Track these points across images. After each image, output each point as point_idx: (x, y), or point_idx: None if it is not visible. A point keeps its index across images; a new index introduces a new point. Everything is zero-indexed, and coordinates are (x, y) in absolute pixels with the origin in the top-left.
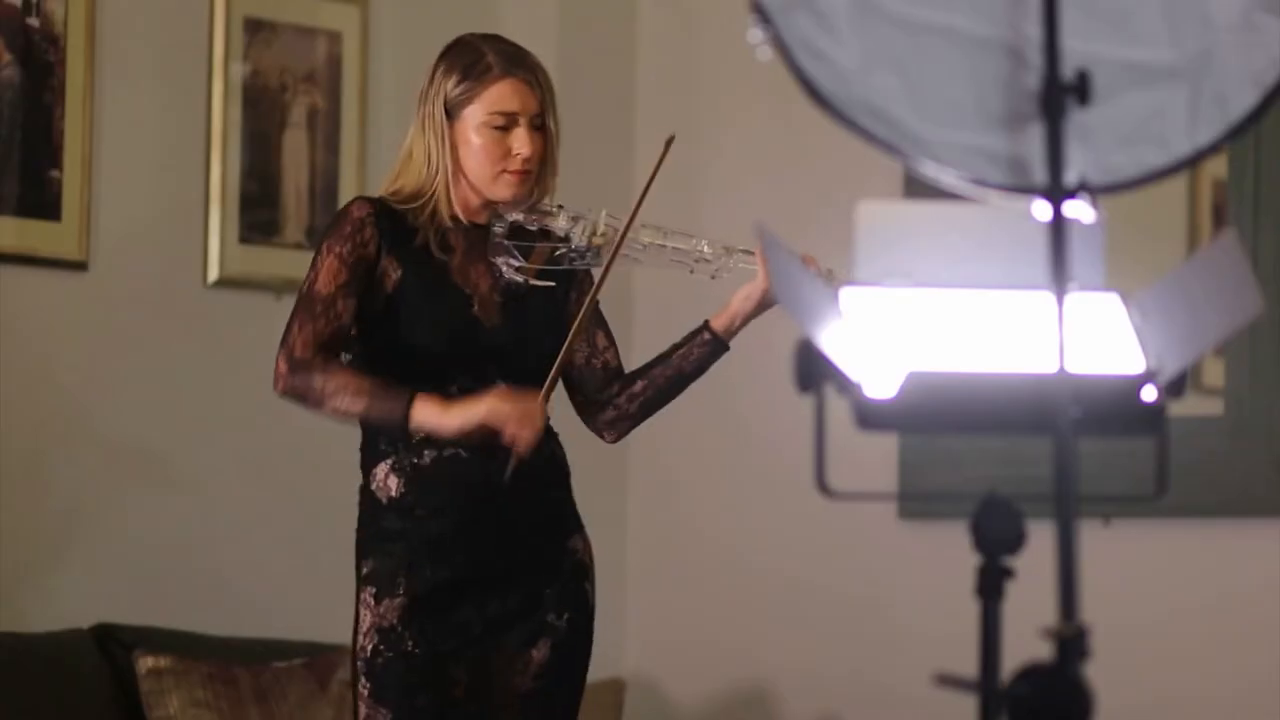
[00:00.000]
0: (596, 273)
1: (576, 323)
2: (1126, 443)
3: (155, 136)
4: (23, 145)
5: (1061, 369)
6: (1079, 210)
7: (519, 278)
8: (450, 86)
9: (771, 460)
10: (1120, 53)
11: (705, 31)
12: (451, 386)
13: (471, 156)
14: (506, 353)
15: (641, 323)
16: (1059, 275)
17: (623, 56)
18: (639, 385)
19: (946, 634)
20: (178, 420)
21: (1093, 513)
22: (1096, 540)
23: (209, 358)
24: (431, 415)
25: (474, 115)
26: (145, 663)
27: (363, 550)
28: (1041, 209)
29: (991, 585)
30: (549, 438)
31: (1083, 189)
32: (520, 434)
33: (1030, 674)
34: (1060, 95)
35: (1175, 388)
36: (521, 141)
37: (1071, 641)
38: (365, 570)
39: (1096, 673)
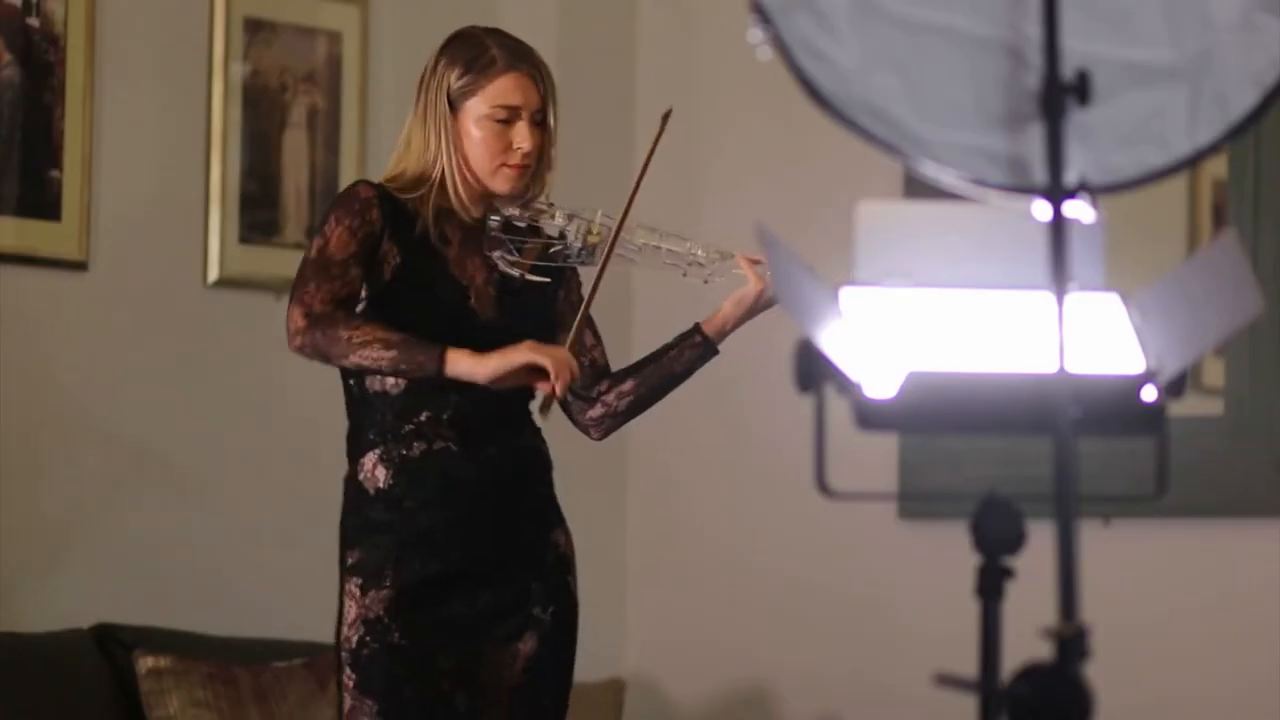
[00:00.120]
0: (585, 271)
1: (584, 306)
2: (1126, 443)
3: (155, 136)
4: (23, 145)
5: (1061, 369)
6: (1079, 210)
7: (514, 272)
8: (454, 78)
9: (771, 460)
10: (1120, 53)
11: (705, 31)
12: (445, 380)
13: (472, 149)
14: (498, 345)
15: (641, 324)
16: (1059, 275)
17: (623, 56)
18: (629, 384)
19: (946, 634)
20: (178, 420)
21: (1093, 513)
22: (1096, 540)
23: (209, 358)
24: (466, 362)
25: (476, 108)
26: (145, 663)
27: (348, 540)
28: (1041, 209)
29: (991, 585)
30: (534, 434)
31: (1083, 189)
32: (560, 372)
33: (1030, 674)
34: (1060, 95)
35: (1175, 388)
36: (522, 136)
37: (1071, 641)
38: (351, 561)
39: (1096, 673)
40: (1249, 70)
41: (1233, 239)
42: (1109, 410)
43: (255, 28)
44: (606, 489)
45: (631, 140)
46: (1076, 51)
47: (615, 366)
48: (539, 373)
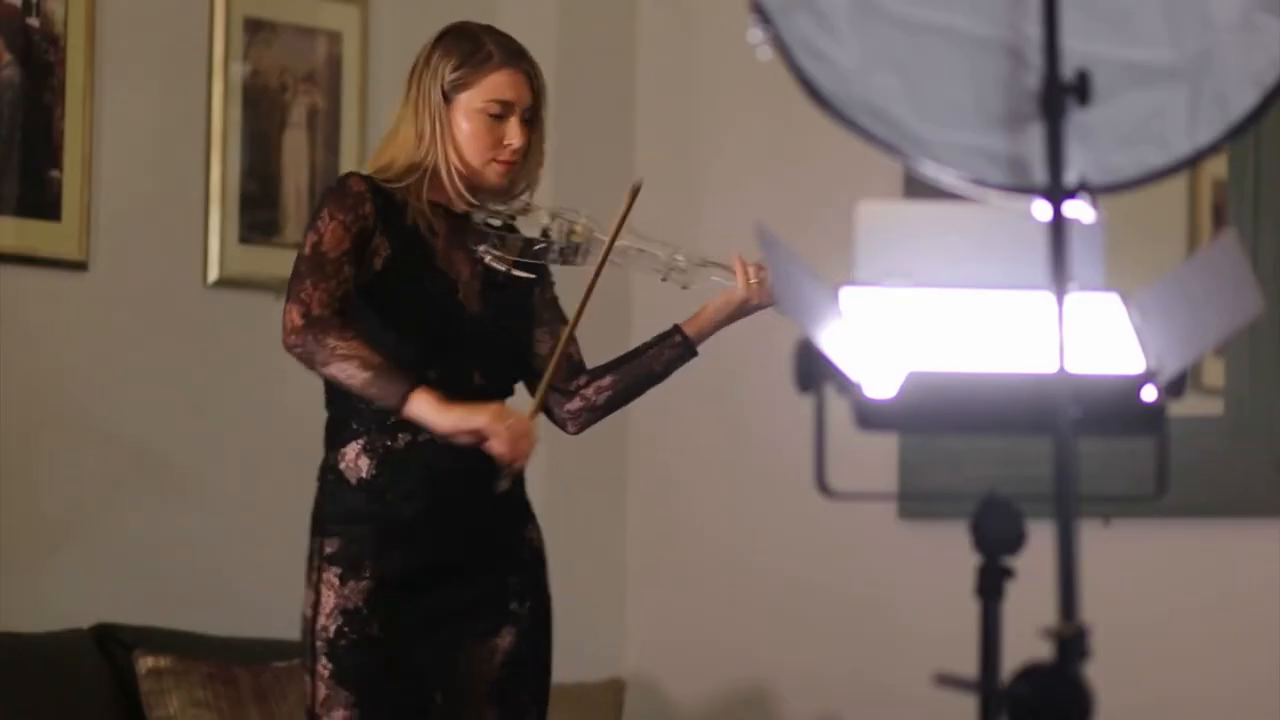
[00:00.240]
0: (557, 270)
1: (560, 343)
2: (1126, 443)
3: (155, 136)
4: (23, 145)
5: (1061, 369)
6: (1079, 210)
7: (500, 267)
8: (449, 70)
9: (771, 460)
10: (1120, 53)
11: (705, 31)
12: (429, 371)
13: (463, 142)
14: (485, 340)
15: (640, 326)
16: (1059, 275)
17: (623, 56)
18: (608, 380)
19: (946, 634)
20: (178, 420)
21: (1093, 513)
22: (1096, 540)
23: (209, 358)
24: (428, 410)
25: (470, 101)
26: (145, 663)
27: (324, 529)
28: (1041, 209)
29: (991, 585)
30: None
31: (1083, 189)
32: (517, 450)
33: (1030, 674)
34: (1060, 95)
35: (1175, 388)
36: (514, 133)
37: (1071, 641)
38: (329, 550)
39: (1096, 673)
40: (1249, 70)
41: (1233, 239)
42: (1109, 410)
43: (255, 28)
44: (606, 489)
45: (631, 141)
46: (1076, 51)
47: None
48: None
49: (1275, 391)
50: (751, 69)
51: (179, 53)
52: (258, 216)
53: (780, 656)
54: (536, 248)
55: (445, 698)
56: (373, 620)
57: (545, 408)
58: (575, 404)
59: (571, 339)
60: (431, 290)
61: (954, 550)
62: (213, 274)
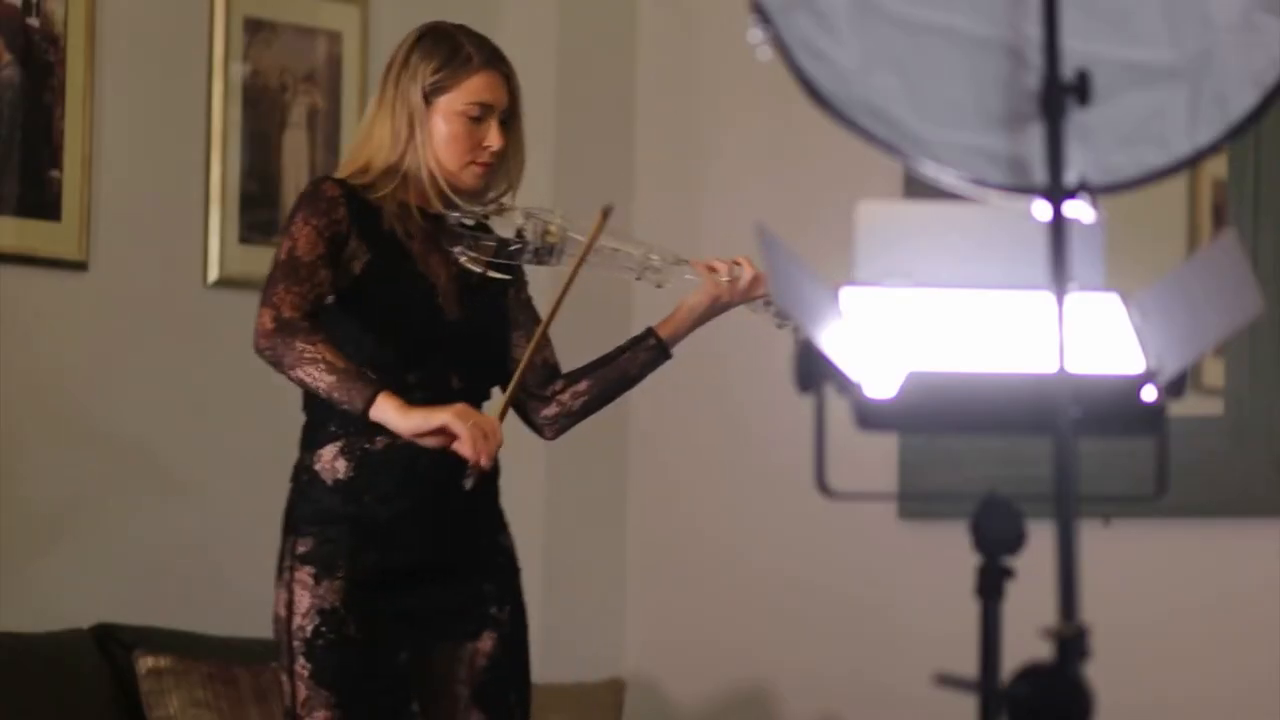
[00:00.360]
0: (532, 270)
1: (531, 346)
2: (1126, 443)
3: (155, 136)
4: (23, 145)
5: (1061, 369)
6: (1079, 210)
7: (476, 268)
8: (429, 73)
9: (771, 460)
10: (1120, 53)
11: (705, 31)
12: (409, 375)
13: (441, 144)
14: (463, 343)
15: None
16: (1059, 275)
17: (623, 56)
18: (584, 384)
19: (946, 634)
20: (178, 420)
21: (1093, 513)
22: (1096, 540)
23: (209, 358)
24: (392, 413)
25: (450, 104)
26: (145, 663)
27: (296, 529)
28: (1041, 209)
29: (991, 585)
30: None
31: (1083, 189)
32: (482, 447)
33: (1030, 674)
34: (1060, 95)
35: (1175, 388)
36: (493, 135)
37: (1071, 641)
38: (301, 550)
39: (1096, 673)
40: (1249, 70)
41: (1233, 239)
42: (1109, 410)
43: (255, 28)
44: (606, 489)
45: (631, 141)
46: (1076, 51)
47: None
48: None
49: (1275, 391)
50: (751, 69)
51: (179, 53)
52: (258, 216)
53: (780, 656)
54: (511, 248)
55: (428, 702)
56: (349, 620)
57: (522, 414)
58: (551, 410)
59: (546, 343)
60: (411, 294)
61: (954, 550)
62: (213, 274)
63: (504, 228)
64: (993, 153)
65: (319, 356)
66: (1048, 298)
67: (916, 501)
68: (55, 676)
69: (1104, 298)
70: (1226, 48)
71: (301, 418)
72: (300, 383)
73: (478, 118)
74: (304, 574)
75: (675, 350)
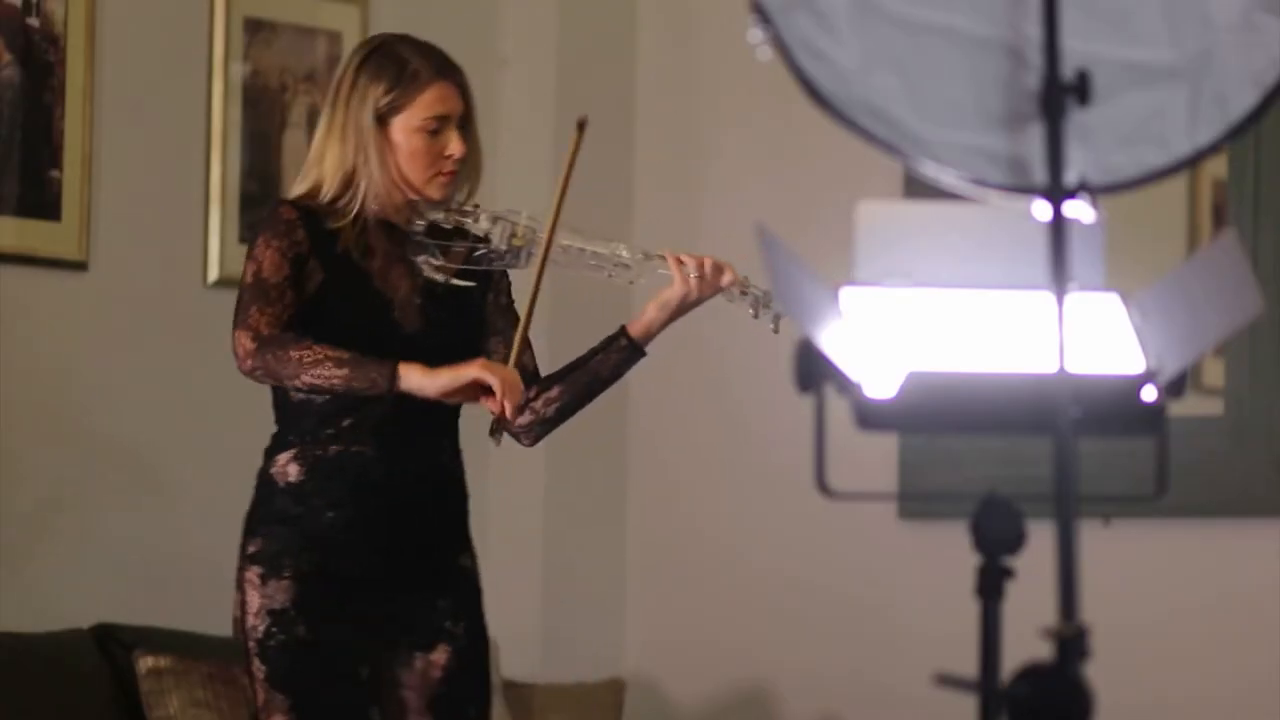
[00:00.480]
0: (511, 274)
1: (523, 325)
2: (1126, 443)
3: (155, 136)
4: (23, 145)
5: (1061, 369)
6: (1079, 210)
7: (439, 277)
8: (379, 94)
9: (771, 460)
10: (1120, 53)
11: (705, 31)
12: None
13: (404, 161)
14: (425, 355)
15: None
16: (1059, 275)
17: (623, 56)
18: (555, 390)
19: (946, 634)
20: (178, 420)
21: (1093, 513)
22: (1096, 540)
23: (209, 358)
24: (417, 377)
25: (407, 122)
26: (145, 663)
27: (250, 530)
28: (1041, 209)
29: (991, 585)
30: (453, 458)
31: (1083, 189)
32: (507, 393)
33: (1030, 674)
34: (1060, 95)
35: (1175, 388)
36: (454, 144)
37: (1071, 641)
38: (251, 549)
39: (1096, 673)
40: (1249, 70)
41: (1233, 239)
42: (1109, 410)
43: (255, 28)
44: (606, 489)
45: (631, 141)
46: (1076, 51)
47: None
48: (488, 390)
49: (1275, 391)
50: (751, 69)
51: (179, 53)
52: (258, 216)
53: (780, 656)
54: (477, 254)
55: (385, 708)
56: (299, 621)
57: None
58: (525, 418)
59: (526, 345)
60: (363, 311)
61: (954, 550)
62: (213, 274)
63: (472, 230)
64: (993, 153)
65: (321, 356)
66: (1048, 298)
67: (916, 501)
68: (55, 676)
69: (1104, 298)
70: (1226, 48)
71: None
72: (312, 387)
73: (435, 130)
74: (252, 574)
75: (674, 350)
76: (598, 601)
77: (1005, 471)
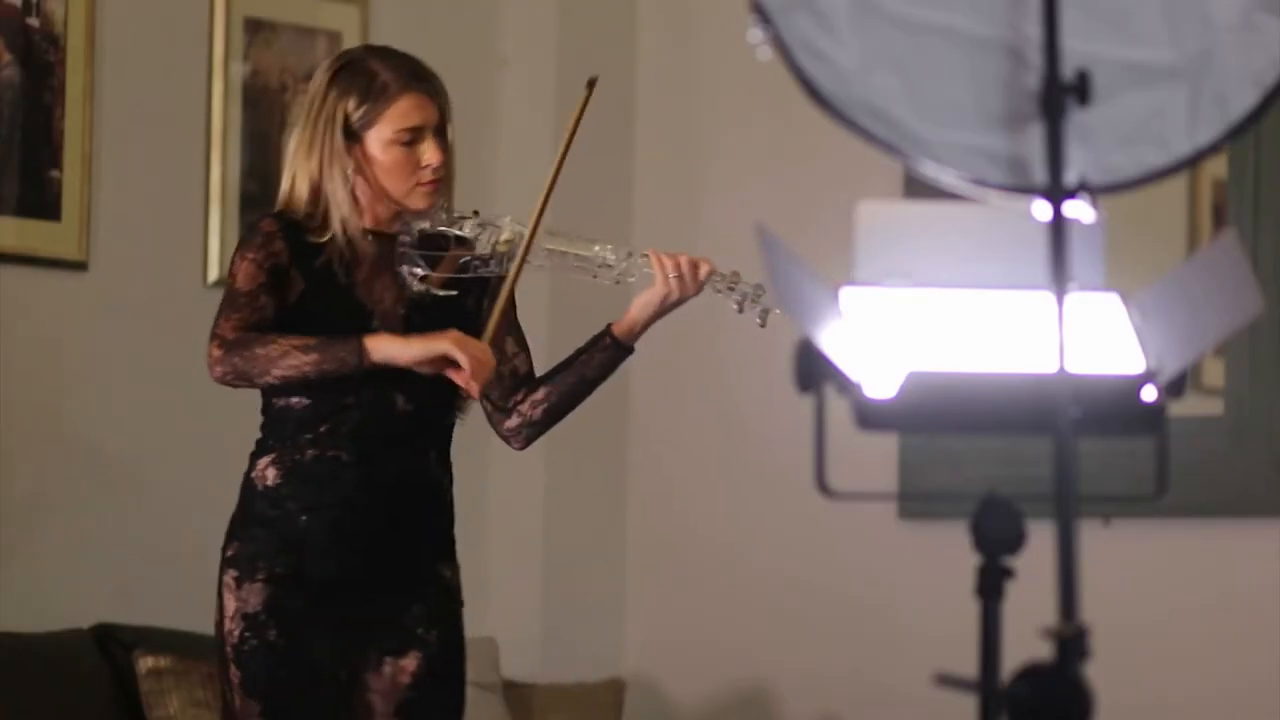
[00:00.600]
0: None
1: (499, 305)
2: (1126, 443)
3: (155, 136)
4: (23, 145)
5: (1061, 369)
6: (1079, 210)
7: (420, 287)
8: (351, 108)
9: (771, 460)
10: (1120, 53)
11: (705, 31)
12: (346, 398)
13: (383, 174)
14: (401, 370)
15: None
16: (1059, 275)
17: (623, 56)
18: (542, 392)
19: (946, 634)
20: (178, 420)
21: (1093, 513)
22: (1096, 540)
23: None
24: (388, 345)
25: (380, 135)
26: (145, 663)
27: (230, 533)
28: (1041, 209)
29: (991, 585)
30: (439, 467)
31: (1083, 189)
32: (476, 370)
33: (1030, 674)
34: (1060, 95)
35: (1175, 388)
36: (430, 153)
37: (1071, 641)
38: (229, 553)
39: (1096, 673)
40: (1249, 70)
41: (1233, 239)
42: (1109, 410)
43: (255, 28)
44: (606, 489)
45: (631, 141)
46: (1076, 51)
47: (620, 382)
48: (458, 365)
49: (1275, 391)
50: (751, 69)
51: (179, 53)
52: (258, 216)
53: (780, 656)
54: (463, 261)
55: (354, 713)
56: (270, 624)
57: (491, 425)
58: (513, 421)
59: (517, 353)
60: (342, 322)
61: (954, 550)
62: (213, 274)
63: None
64: (993, 153)
65: (287, 348)
66: (1048, 298)
67: (916, 501)
68: (55, 676)
69: (1104, 298)
70: (1226, 48)
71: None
72: (285, 380)
73: (409, 141)
74: (229, 577)
75: (674, 350)
76: (598, 601)
77: (1005, 471)
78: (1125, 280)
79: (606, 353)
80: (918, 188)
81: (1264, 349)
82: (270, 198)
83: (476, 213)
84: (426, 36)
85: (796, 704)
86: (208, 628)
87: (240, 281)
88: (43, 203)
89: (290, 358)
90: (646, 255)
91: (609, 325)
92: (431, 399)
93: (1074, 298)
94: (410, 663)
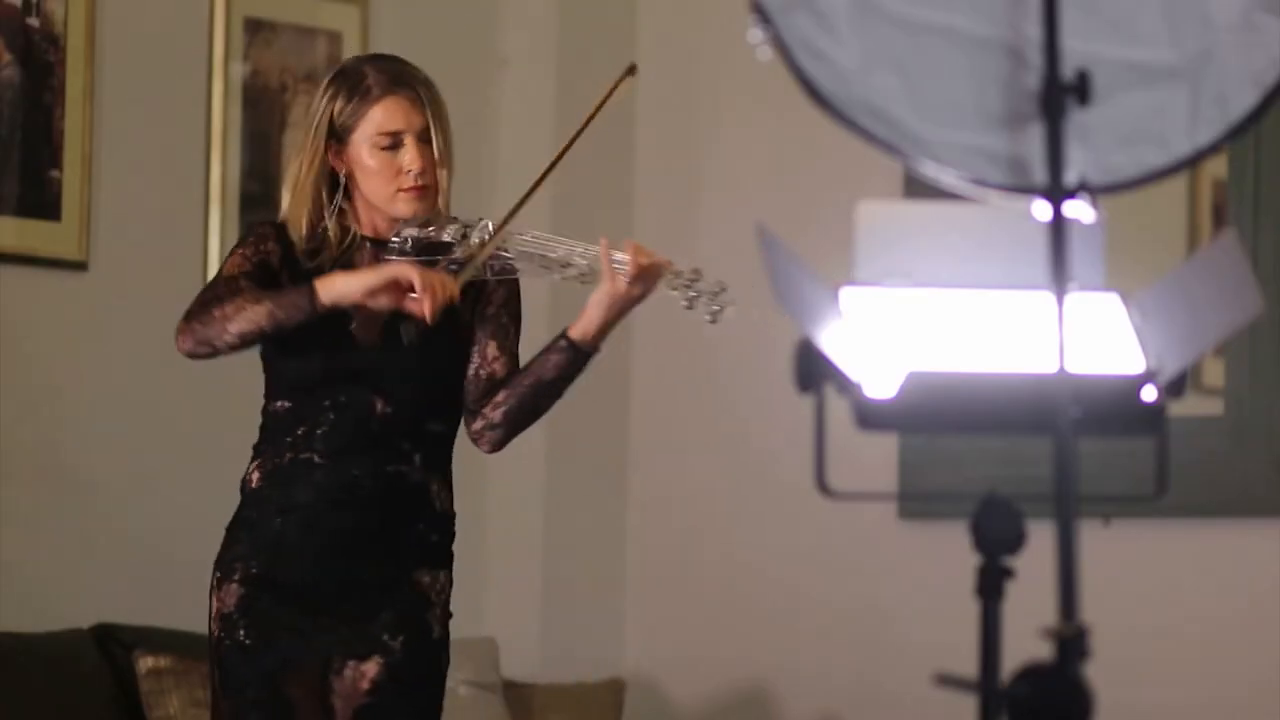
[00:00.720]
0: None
1: (464, 274)
2: (1126, 443)
3: (155, 136)
4: (23, 145)
5: (1061, 369)
6: (1079, 210)
7: None
8: (336, 111)
9: (771, 460)
10: (1120, 53)
11: (705, 32)
12: (324, 400)
13: (368, 179)
14: (379, 373)
15: (640, 328)
16: (1059, 275)
17: (623, 57)
18: (501, 395)
19: (946, 634)
20: (177, 420)
21: (1093, 513)
22: (1096, 540)
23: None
24: (338, 281)
25: (361, 139)
26: (145, 663)
27: (225, 535)
28: (1041, 209)
29: (991, 585)
30: (422, 471)
31: (1083, 189)
32: (429, 294)
33: (1030, 674)
34: (1060, 95)
35: (1175, 388)
36: (411, 157)
37: (1071, 641)
38: (217, 555)
39: (1096, 673)
40: (1249, 70)
41: (1233, 239)
42: (1109, 410)
43: (255, 28)
44: (607, 490)
45: (631, 141)
46: (1076, 51)
47: (620, 383)
48: (413, 292)
49: (1275, 391)
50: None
51: (179, 53)
52: (258, 216)
53: (780, 656)
54: (451, 267)
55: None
56: (240, 625)
57: (465, 428)
58: (478, 423)
59: (497, 356)
60: (319, 325)
61: (954, 550)
62: (213, 274)
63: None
64: (993, 153)
65: (241, 304)
66: (1048, 298)
67: (916, 501)
68: (55, 676)
69: (1104, 298)
70: (1226, 48)
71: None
72: (243, 336)
73: (390, 146)
74: (214, 579)
75: (674, 351)
76: (598, 601)
77: (1005, 471)
78: (1125, 280)
79: (562, 354)
80: (918, 188)
81: (1264, 349)
82: (270, 198)
83: (456, 218)
84: (426, 36)
85: (796, 703)
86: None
87: (226, 270)
88: (43, 203)
89: (244, 311)
90: (597, 253)
91: (566, 327)
92: (413, 401)
93: (1074, 298)
94: (371, 668)
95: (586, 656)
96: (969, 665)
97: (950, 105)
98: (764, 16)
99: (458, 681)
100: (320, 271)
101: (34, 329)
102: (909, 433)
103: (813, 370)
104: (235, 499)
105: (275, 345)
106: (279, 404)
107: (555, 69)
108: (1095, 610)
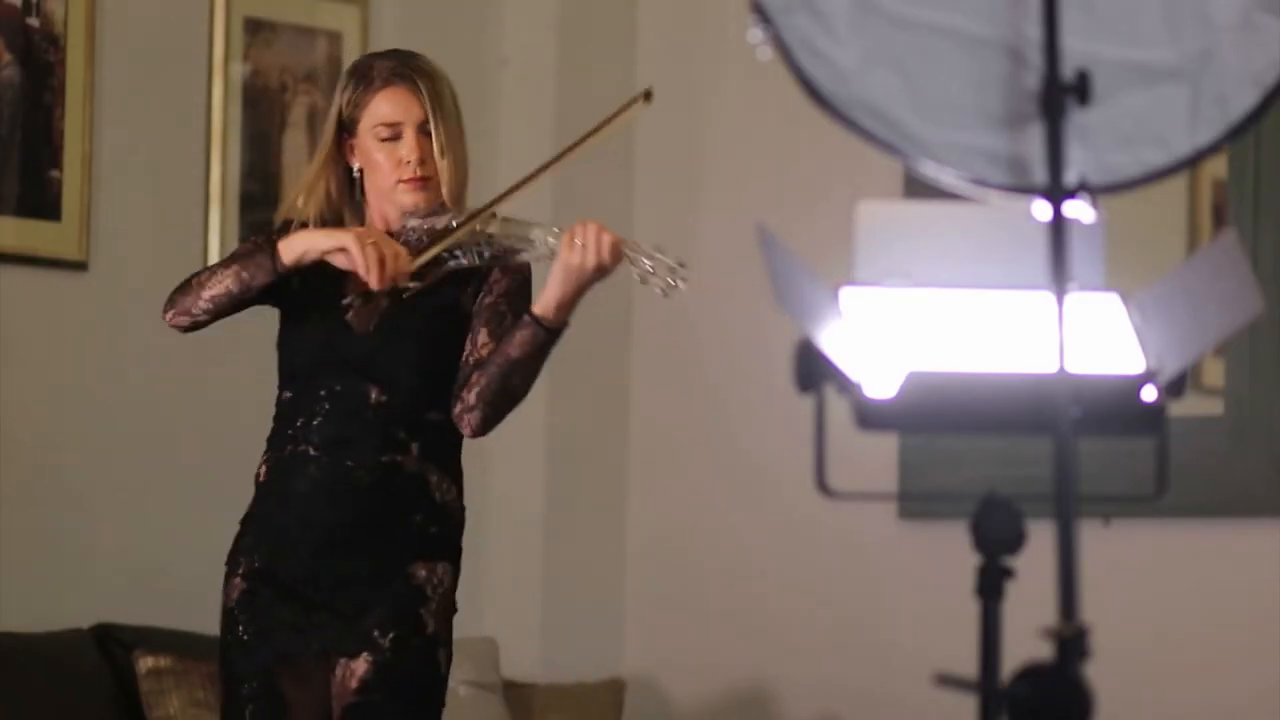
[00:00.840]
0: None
1: (438, 246)
2: (1126, 443)
3: (155, 136)
4: (23, 145)
5: (1061, 369)
6: (1079, 210)
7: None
8: (345, 103)
9: (771, 460)
10: (1120, 53)
11: (705, 31)
12: (320, 389)
13: (373, 171)
14: (371, 360)
15: (640, 331)
16: (1059, 275)
17: (623, 56)
18: (475, 376)
19: (946, 634)
20: (178, 420)
21: (1093, 513)
22: (1096, 540)
23: (210, 357)
24: (299, 239)
25: (364, 130)
26: (145, 663)
27: (238, 529)
28: (1041, 209)
29: (991, 585)
30: (430, 466)
31: (1083, 189)
32: (379, 269)
33: (1030, 674)
34: (1060, 95)
35: (1175, 388)
36: (409, 149)
37: (1071, 641)
38: (230, 548)
39: (1096, 673)
40: (1249, 70)
41: (1233, 239)
42: (1109, 410)
43: (255, 28)
44: (607, 490)
45: (631, 141)
46: (1076, 51)
47: (620, 382)
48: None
49: (1275, 391)
50: (751, 69)
51: (179, 53)
52: (258, 216)
53: (780, 656)
54: (448, 260)
55: (310, 713)
56: (239, 619)
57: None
58: (457, 407)
59: (486, 342)
60: (317, 314)
61: (954, 550)
62: None
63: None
64: (993, 153)
65: (214, 270)
66: (1048, 298)
67: (916, 501)
68: (55, 676)
69: (1104, 298)
70: (1226, 48)
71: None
72: (214, 300)
73: (389, 138)
74: (226, 574)
75: (674, 350)
76: (598, 601)
77: (1005, 471)
78: (1125, 280)
79: (526, 330)
80: (918, 188)
81: (1264, 349)
82: (270, 197)
83: (460, 210)
84: (426, 36)
85: (796, 703)
86: (207, 628)
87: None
88: (43, 203)
89: (214, 276)
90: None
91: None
92: (406, 388)
93: (1074, 298)
94: (359, 666)
95: (586, 656)
96: (969, 665)
97: (950, 105)
98: (764, 16)
99: (458, 681)
100: (327, 260)
101: (34, 329)
102: (909, 433)
103: (813, 370)
104: (236, 498)
105: (278, 338)
106: (284, 395)
107: (555, 69)
108: (1095, 610)
